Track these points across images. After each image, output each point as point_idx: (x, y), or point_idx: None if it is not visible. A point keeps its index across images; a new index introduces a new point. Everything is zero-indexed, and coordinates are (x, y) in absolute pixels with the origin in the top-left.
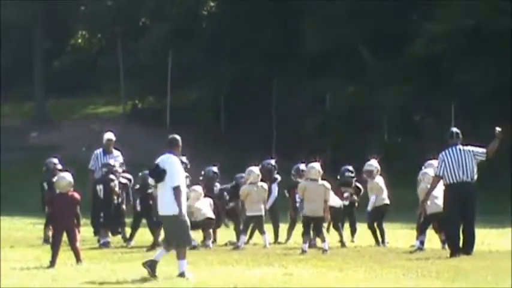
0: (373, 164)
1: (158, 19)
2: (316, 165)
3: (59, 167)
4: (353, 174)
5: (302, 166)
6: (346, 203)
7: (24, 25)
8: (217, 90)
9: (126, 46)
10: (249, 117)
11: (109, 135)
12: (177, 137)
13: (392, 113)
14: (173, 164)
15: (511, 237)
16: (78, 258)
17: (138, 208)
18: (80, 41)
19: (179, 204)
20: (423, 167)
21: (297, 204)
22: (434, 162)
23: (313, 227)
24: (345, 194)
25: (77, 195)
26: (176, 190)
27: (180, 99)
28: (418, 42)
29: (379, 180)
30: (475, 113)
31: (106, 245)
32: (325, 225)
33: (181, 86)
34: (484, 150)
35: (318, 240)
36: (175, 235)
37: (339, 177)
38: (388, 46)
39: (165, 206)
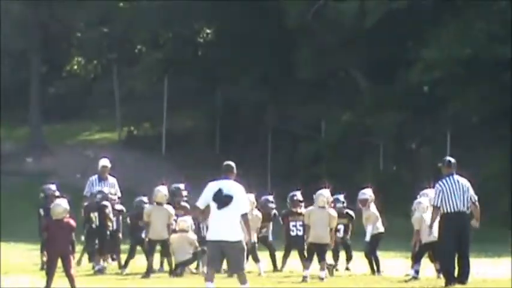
0: (367, 192)
1: (154, 46)
2: (325, 192)
3: (57, 193)
4: (344, 204)
5: (298, 194)
6: (340, 235)
7: (21, 50)
8: (212, 117)
9: (122, 73)
10: (244, 144)
11: (104, 162)
12: (232, 163)
13: (387, 140)
14: (241, 191)
15: (511, 266)
16: (72, 285)
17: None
18: (75, 67)
19: (247, 231)
20: (418, 196)
21: (293, 232)
22: (429, 192)
23: (316, 253)
24: (339, 226)
25: (72, 222)
26: (245, 217)
27: (175, 125)
28: (413, 70)
29: (374, 209)
30: (470, 141)
31: (101, 271)
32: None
33: (177, 113)
34: (476, 198)
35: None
36: (238, 260)
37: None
38: (383, 73)
39: (230, 231)
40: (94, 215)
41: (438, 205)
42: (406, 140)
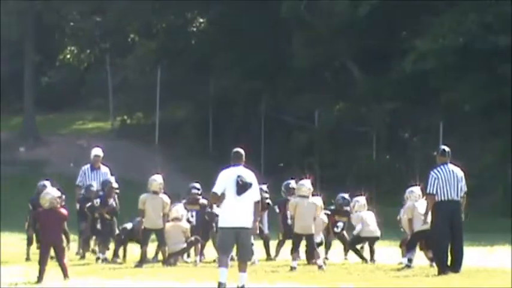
0: (361, 200)
1: (147, 36)
2: (307, 183)
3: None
4: (348, 203)
5: (292, 183)
6: (338, 230)
7: (15, 40)
8: (205, 107)
9: (115, 62)
10: (237, 134)
11: (96, 151)
12: (241, 150)
13: (380, 130)
14: (255, 178)
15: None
16: (65, 274)
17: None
18: (68, 56)
19: (255, 219)
20: (406, 194)
21: (289, 221)
22: (415, 189)
23: (305, 244)
24: (339, 223)
25: (63, 211)
26: (257, 205)
27: (168, 115)
28: (406, 59)
29: (368, 214)
30: (463, 130)
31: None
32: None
33: (170, 103)
34: (465, 190)
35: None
36: (249, 248)
37: (333, 205)
38: (376, 63)
39: (244, 218)
40: (96, 201)
41: (433, 192)
42: (399, 130)
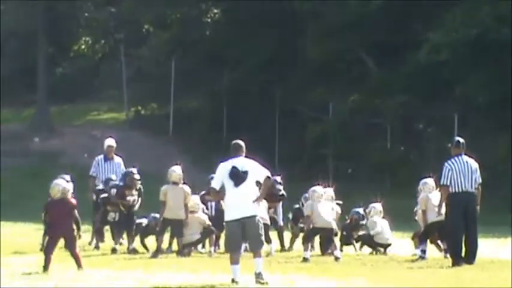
0: (377, 207)
1: (161, 26)
2: (329, 190)
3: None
4: (364, 217)
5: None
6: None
7: (27, 31)
8: (219, 98)
9: (129, 53)
10: (251, 126)
11: (110, 142)
12: (241, 141)
13: (394, 121)
14: (254, 163)
15: (511, 248)
16: (78, 264)
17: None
18: (83, 47)
19: (262, 192)
20: (419, 186)
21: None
22: (429, 181)
23: (320, 236)
24: (354, 238)
25: (73, 201)
26: (267, 180)
27: (182, 106)
28: (420, 51)
29: (383, 222)
30: (477, 122)
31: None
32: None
33: (184, 93)
34: (480, 181)
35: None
36: (259, 236)
37: (348, 219)
38: (390, 55)
39: (247, 208)
40: (114, 190)
41: (447, 183)
42: (413, 121)
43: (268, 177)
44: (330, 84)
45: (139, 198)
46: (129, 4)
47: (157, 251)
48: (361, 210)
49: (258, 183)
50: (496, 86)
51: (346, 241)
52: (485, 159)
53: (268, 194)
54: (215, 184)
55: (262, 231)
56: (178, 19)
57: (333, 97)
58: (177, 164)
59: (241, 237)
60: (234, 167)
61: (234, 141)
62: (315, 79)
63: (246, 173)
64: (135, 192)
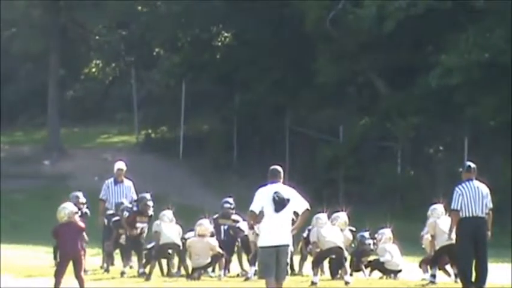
0: (386, 233)
1: (172, 49)
2: (342, 215)
3: (82, 200)
4: (371, 242)
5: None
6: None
7: (39, 54)
8: (230, 121)
9: (140, 76)
10: (262, 148)
11: (120, 165)
12: (279, 167)
13: (405, 145)
14: (294, 192)
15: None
16: (81, 287)
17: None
18: (93, 70)
19: (298, 226)
20: (428, 212)
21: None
22: (438, 207)
23: (329, 259)
24: (363, 263)
25: (81, 223)
26: (306, 213)
27: (193, 129)
28: (432, 74)
29: (393, 248)
30: (487, 146)
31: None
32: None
33: (195, 116)
34: (491, 206)
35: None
36: (284, 266)
37: (354, 244)
38: (401, 77)
39: (283, 236)
40: (122, 231)
41: (458, 208)
42: (424, 145)
43: (307, 209)
44: (340, 106)
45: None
46: (140, 27)
47: (150, 274)
48: (366, 234)
49: (295, 213)
50: (507, 109)
51: (356, 267)
52: (496, 183)
53: None
54: (255, 207)
55: (288, 261)
56: (189, 42)
57: (343, 120)
58: (168, 209)
59: (274, 263)
60: (276, 193)
61: (272, 167)
62: (325, 101)
63: (287, 200)
64: (145, 219)
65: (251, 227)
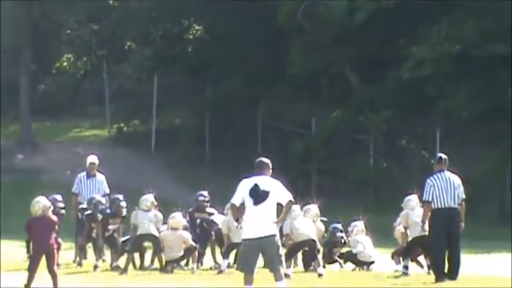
0: (359, 225)
1: (143, 43)
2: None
3: (61, 205)
4: (343, 234)
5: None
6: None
7: (10, 48)
8: (202, 114)
9: (111, 70)
10: (234, 142)
11: (92, 159)
12: (266, 159)
13: (377, 137)
14: (277, 184)
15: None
16: (54, 283)
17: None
18: (65, 64)
19: (282, 217)
20: (403, 203)
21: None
22: (413, 197)
23: (303, 252)
24: (336, 255)
25: (54, 218)
26: (289, 204)
27: (165, 122)
28: (403, 67)
29: (366, 240)
30: (460, 138)
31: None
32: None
33: (167, 110)
34: (463, 197)
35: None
36: (277, 256)
37: (326, 235)
38: (374, 70)
39: (268, 227)
40: (95, 225)
41: (430, 200)
42: (396, 137)
43: (290, 201)
44: (312, 99)
45: (121, 225)
46: (111, 21)
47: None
48: (339, 226)
49: (279, 204)
50: (479, 102)
51: (328, 259)
52: (469, 174)
53: None
54: (235, 200)
55: (281, 252)
56: (161, 36)
57: (316, 112)
58: (149, 193)
59: (255, 257)
60: (255, 185)
61: (259, 159)
62: (298, 94)
63: (266, 193)
64: (118, 220)
65: (236, 220)
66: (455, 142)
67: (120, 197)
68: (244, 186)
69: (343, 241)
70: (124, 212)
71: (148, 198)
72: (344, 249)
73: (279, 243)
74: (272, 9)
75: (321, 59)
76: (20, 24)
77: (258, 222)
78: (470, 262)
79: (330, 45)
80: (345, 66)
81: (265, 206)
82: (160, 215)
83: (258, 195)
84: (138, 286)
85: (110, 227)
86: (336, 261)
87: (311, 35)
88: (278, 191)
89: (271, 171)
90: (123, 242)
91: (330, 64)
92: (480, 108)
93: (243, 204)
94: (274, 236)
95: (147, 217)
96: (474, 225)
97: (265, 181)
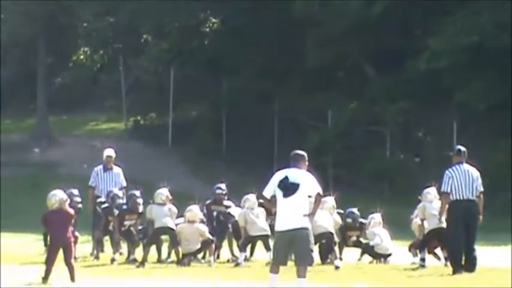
0: (376, 217)
1: (160, 36)
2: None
3: (77, 199)
4: (358, 216)
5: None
6: (350, 244)
7: (27, 41)
8: (218, 107)
9: (128, 63)
10: (250, 135)
11: (109, 152)
12: (302, 152)
13: (394, 129)
14: (308, 177)
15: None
16: (72, 276)
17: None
18: (81, 57)
19: (314, 210)
20: (420, 196)
21: None
22: (431, 190)
23: (325, 243)
24: (352, 238)
25: (70, 210)
26: (319, 197)
27: (181, 115)
28: (420, 58)
29: (383, 232)
30: (476, 129)
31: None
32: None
33: (183, 103)
34: (481, 189)
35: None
36: (307, 251)
37: (342, 220)
38: (390, 62)
39: (298, 219)
40: (112, 218)
41: (448, 191)
42: (413, 129)
43: (319, 194)
44: (328, 92)
45: (138, 221)
46: (128, 14)
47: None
48: (354, 209)
49: (310, 197)
50: (495, 93)
51: (343, 242)
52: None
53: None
54: (266, 193)
55: (312, 248)
56: (177, 28)
57: (332, 105)
58: (164, 186)
59: (287, 249)
60: (285, 177)
61: (295, 151)
62: (313, 87)
63: (296, 185)
64: (135, 216)
65: (269, 213)
66: (472, 134)
67: (137, 193)
68: (276, 178)
69: (357, 224)
70: (140, 208)
71: (163, 192)
72: (361, 239)
73: (311, 238)
74: (288, 1)
75: (337, 50)
76: (36, 17)
77: (288, 215)
78: (487, 254)
79: (346, 37)
80: (361, 58)
81: (295, 198)
82: (174, 209)
83: (287, 188)
84: (155, 279)
85: (126, 222)
86: (352, 245)
87: (327, 27)
88: (308, 184)
89: (307, 163)
90: (139, 230)
91: (346, 56)
92: (497, 99)
93: (274, 197)
94: (304, 229)
95: (162, 211)
96: (489, 217)
97: (296, 173)
